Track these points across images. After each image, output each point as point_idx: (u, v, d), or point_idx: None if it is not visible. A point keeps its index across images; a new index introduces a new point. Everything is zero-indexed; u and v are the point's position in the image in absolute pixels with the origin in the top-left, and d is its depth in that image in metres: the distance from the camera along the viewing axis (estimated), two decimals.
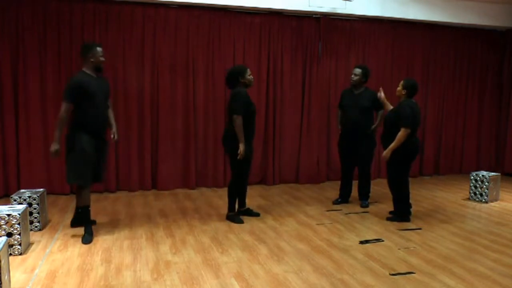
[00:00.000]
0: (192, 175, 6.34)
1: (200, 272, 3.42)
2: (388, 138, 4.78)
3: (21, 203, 4.25)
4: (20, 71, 5.63)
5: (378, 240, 4.26)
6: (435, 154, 7.76)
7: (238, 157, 4.47)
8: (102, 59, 4.13)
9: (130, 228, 4.49)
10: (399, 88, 4.77)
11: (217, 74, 6.37)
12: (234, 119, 4.46)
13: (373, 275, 3.41)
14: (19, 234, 3.70)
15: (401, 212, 4.89)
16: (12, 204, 4.17)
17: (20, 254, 3.71)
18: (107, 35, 5.90)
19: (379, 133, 5.48)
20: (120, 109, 6.01)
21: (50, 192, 5.58)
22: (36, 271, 3.42)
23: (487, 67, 7.89)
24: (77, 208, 4.26)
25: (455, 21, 7.25)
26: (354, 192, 5.68)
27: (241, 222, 4.71)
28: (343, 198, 5.63)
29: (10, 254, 3.63)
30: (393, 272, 3.48)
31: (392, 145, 4.62)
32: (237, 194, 4.80)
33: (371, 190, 5.71)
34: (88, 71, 4.09)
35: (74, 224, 4.48)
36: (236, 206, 4.88)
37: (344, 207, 5.44)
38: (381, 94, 5.07)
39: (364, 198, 5.52)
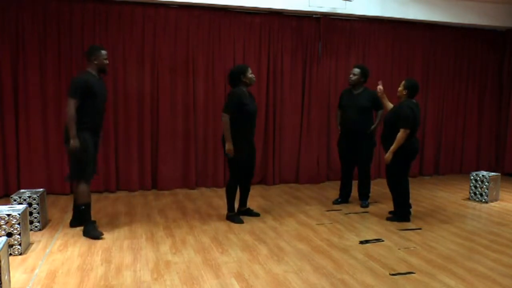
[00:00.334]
0: (192, 175, 6.34)
1: (200, 272, 3.42)
2: (388, 138, 4.78)
3: (21, 203, 4.25)
4: (20, 71, 5.63)
5: (378, 240, 4.26)
6: (435, 154, 7.76)
7: (225, 155, 4.58)
8: (106, 61, 4.30)
9: (130, 228, 4.49)
10: (400, 89, 4.77)
11: (217, 74, 6.38)
12: (222, 116, 4.57)
13: (373, 275, 3.41)
14: (19, 234, 3.70)
15: (401, 212, 4.89)
16: (12, 204, 4.16)
17: (20, 254, 3.71)
18: (107, 35, 5.90)
19: (378, 133, 5.49)
20: (120, 109, 6.01)
21: (50, 192, 5.58)
22: (36, 271, 3.42)
23: (487, 67, 7.89)
24: (79, 205, 4.26)
25: (455, 21, 7.25)
26: (354, 192, 5.68)
27: (241, 222, 4.71)
28: (343, 198, 5.63)
29: (10, 254, 3.62)
30: (393, 272, 3.48)
31: (393, 147, 4.61)
32: (235, 194, 4.79)
33: (371, 190, 5.72)
34: (92, 72, 4.23)
35: (74, 224, 4.48)
36: (237, 205, 4.89)
37: (344, 207, 5.44)
38: (380, 87, 5.06)
39: (364, 198, 5.52)
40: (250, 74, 4.65)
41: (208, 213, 5.11)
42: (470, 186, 5.97)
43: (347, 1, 6.44)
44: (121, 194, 6.01)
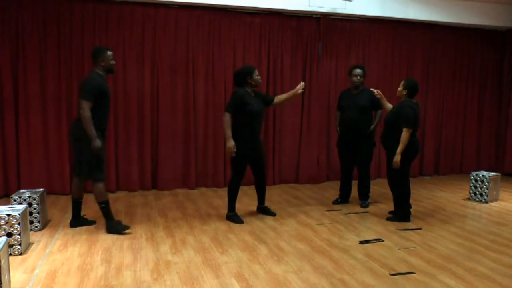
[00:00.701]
0: (192, 175, 6.34)
1: (200, 272, 3.42)
2: (388, 138, 4.78)
3: (21, 203, 4.25)
4: (20, 71, 5.63)
5: (378, 240, 4.26)
6: (435, 154, 7.76)
7: (229, 154, 4.64)
8: (112, 62, 4.36)
9: (130, 228, 4.48)
10: (400, 89, 4.76)
11: (217, 74, 6.38)
12: (223, 115, 4.66)
13: (373, 275, 3.41)
14: (19, 234, 3.70)
15: (401, 212, 4.89)
16: (12, 204, 4.17)
17: (20, 254, 3.71)
18: (107, 35, 5.90)
19: (378, 133, 5.49)
20: (120, 109, 6.01)
21: (50, 192, 5.58)
22: (36, 271, 3.42)
23: (487, 67, 7.89)
24: (99, 204, 4.31)
25: (455, 21, 7.25)
26: (354, 192, 5.68)
27: (241, 222, 4.71)
28: (343, 198, 5.63)
29: (10, 254, 3.62)
30: (393, 272, 3.48)
31: (399, 148, 4.58)
32: (235, 194, 4.81)
33: (371, 190, 5.71)
34: (100, 73, 4.27)
35: (74, 223, 4.49)
36: (238, 205, 4.90)
37: (344, 207, 5.44)
38: (378, 91, 5.06)
39: (364, 198, 5.52)
40: (256, 76, 4.71)
41: (208, 213, 5.11)
42: (470, 186, 5.97)
43: (347, 1, 6.44)
44: (121, 194, 6.01)
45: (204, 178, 6.47)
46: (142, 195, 5.97)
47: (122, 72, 5.99)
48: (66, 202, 5.50)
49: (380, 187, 6.52)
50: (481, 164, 7.96)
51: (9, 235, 3.67)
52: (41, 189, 4.62)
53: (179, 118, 6.25)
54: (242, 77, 4.70)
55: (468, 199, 6.00)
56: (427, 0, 7.01)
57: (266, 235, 4.34)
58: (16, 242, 3.70)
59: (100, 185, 4.26)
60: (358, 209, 5.39)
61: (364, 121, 5.33)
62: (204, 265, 3.56)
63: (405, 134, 4.58)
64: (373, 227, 4.69)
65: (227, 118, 4.58)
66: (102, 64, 4.26)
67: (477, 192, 5.87)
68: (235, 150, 4.56)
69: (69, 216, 4.79)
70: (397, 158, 4.60)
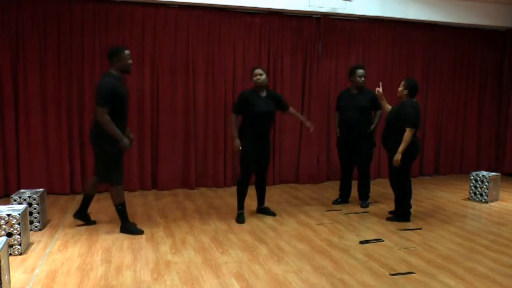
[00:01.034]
0: (192, 175, 6.34)
1: (200, 272, 3.42)
2: (389, 137, 4.78)
3: (21, 203, 4.25)
4: (20, 71, 5.63)
5: (378, 240, 4.26)
6: (435, 154, 7.76)
7: (235, 152, 4.78)
8: (129, 62, 4.24)
9: (144, 233, 4.45)
10: (400, 89, 4.76)
11: (217, 74, 6.38)
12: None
13: (373, 275, 3.41)
14: (19, 234, 3.70)
15: (402, 212, 4.89)
16: (12, 204, 4.16)
17: (20, 254, 3.71)
18: (107, 35, 5.90)
19: (378, 133, 5.49)
20: None
21: (50, 192, 5.57)
22: (36, 271, 3.42)
23: (487, 67, 7.89)
24: (116, 206, 4.32)
25: (455, 21, 7.25)
26: (354, 192, 5.68)
27: (241, 222, 4.72)
28: (343, 198, 5.63)
29: (10, 254, 3.62)
30: (393, 272, 3.48)
31: (401, 147, 4.58)
32: (242, 192, 4.84)
33: (371, 190, 5.71)
34: (115, 73, 4.18)
35: (78, 216, 4.51)
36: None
37: (344, 207, 5.44)
38: (379, 89, 5.05)
39: (364, 198, 5.52)
40: (254, 77, 4.77)
41: (208, 213, 5.11)
42: (470, 186, 5.97)
43: (347, 1, 6.44)
44: None
45: (204, 178, 6.47)
46: (142, 195, 5.97)
47: None
48: (66, 202, 5.50)
49: (380, 187, 6.52)
50: (481, 164, 7.95)
51: (9, 235, 3.67)
52: (41, 189, 4.62)
53: (179, 118, 6.25)
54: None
55: (468, 199, 6.00)
56: (427, 0, 7.01)
57: (266, 235, 4.34)
58: (16, 242, 3.70)
59: (117, 188, 4.26)
60: (358, 209, 5.39)
61: (365, 121, 5.33)
62: (204, 265, 3.56)
63: (408, 134, 4.58)
64: (373, 227, 4.69)
65: (232, 118, 4.78)
66: (118, 64, 4.16)
67: (477, 192, 5.87)
68: (240, 148, 4.66)
69: (69, 216, 4.80)
70: (398, 156, 4.60)
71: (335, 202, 5.62)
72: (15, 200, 4.30)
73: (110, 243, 4.03)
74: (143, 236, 4.26)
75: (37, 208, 4.33)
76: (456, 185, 6.93)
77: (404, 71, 7.30)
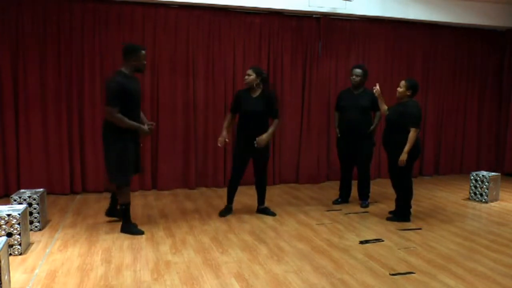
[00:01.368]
0: (192, 175, 6.34)
1: (200, 272, 3.42)
2: (390, 137, 4.78)
3: (21, 203, 4.25)
4: (20, 71, 5.63)
5: (378, 240, 4.26)
6: (435, 154, 7.77)
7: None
8: (144, 62, 4.25)
9: (145, 234, 4.45)
10: (402, 89, 4.74)
11: (217, 74, 6.38)
12: None
13: (373, 275, 3.41)
14: (19, 234, 3.70)
15: (402, 212, 4.89)
16: (12, 204, 4.16)
17: (20, 254, 3.71)
18: (107, 35, 5.90)
19: (378, 133, 5.49)
20: None
21: (50, 192, 5.57)
22: (36, 271, 3.42)
23: (487, 67, 7.89)
24: (120, 205, 4.34)
25: (455, 21, 7.25)
26: (354, 192, 5.68)
27: (223, 215, 4.93)
28: (343, 198, 5.63)
29: (10, 254, 3.62)
30: (393, 272, 3.48)
31: (406, 148, 4.58)
32: (229, 187, 5.01)
33: (371, 190, 5.71)
34: (126, 72, 4.16)
35: (108, 213, 4.68)
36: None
37: (344, 207, 5.44)
38: (377, 89, 5.05)
39: (364, 198, 5.52)
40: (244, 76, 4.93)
41: (208, 213, 5.11)
42: (470, 186, 5.97)
43: (347, 1, 6.44)
44: None
45: (204, 178, 6.47)
46: (142, 195, 5.97)
47: None
48: (66, 202, 5.50)
49: (380, 187, 6.52)
50: (481, 164, 7.95)
51: (9, 235, 3.67)
52: (41, 189, 4.62)
53: (179, 118, 6.24)
54: None
55: (468, 199, 6.00)
56: (427, 0, 7.01)
57: (266, 235, 4.34)
58: (16, 242, 3.70)
59: (123, 189, 4.28)
60: (358, 209, 5.39)
61: (365, 121, 5.33)
62: (204, 265, 3.56)
63: (412, 134, 4.58)
64: (373, 227, 4.69)
65: (227, 115, 5.02)
66: (134, 63, 4.14)
67: (477, 192, 5.87)
68: (226, 142, 4.91)
69: (69, 216, 4.82)
70: (404, 156, 4.60)
71: (335, 202, 5.62)
72: (15, 200, 4.30)
73: (110, 243, 4.03)
74: (143, 236, 4.26)
75: (37, 208, 4.33)
76: (456, 185, 6.93)
77: (404, 71, 7.29)
